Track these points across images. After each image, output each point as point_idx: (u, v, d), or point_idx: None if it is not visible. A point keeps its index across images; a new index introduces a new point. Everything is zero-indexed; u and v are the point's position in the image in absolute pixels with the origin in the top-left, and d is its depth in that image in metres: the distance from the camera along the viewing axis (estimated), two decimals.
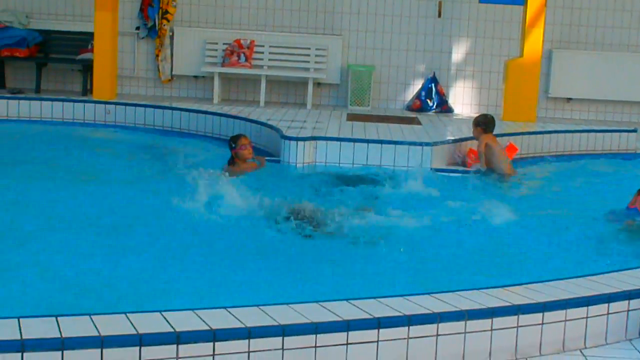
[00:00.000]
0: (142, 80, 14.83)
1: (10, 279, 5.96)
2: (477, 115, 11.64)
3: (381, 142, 10.43)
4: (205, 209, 7.81)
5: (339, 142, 10.42)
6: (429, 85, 14.56)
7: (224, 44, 14.51)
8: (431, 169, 10.22)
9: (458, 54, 14.70)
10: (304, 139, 10.37)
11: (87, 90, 13.98)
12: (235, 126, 11.93)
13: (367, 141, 10.44)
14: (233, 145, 9.75)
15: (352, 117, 12.78)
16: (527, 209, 8.61)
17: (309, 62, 14.47)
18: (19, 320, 4.23)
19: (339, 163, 10.32)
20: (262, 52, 14.54)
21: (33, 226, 7.29)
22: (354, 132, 11.21)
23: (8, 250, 6.59)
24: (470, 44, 14.70)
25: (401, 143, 10.40)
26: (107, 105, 12.88)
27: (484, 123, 10.62)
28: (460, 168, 10.59)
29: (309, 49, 14.50)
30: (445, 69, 14.72)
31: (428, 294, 5.04)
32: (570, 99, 14.80)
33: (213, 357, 4.27)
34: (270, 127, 11.22)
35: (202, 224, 7.53)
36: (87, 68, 13.96)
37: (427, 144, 10.45)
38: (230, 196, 8.06)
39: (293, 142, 10.30)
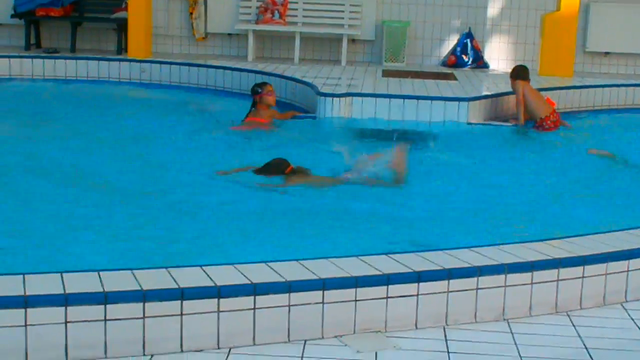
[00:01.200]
0: (177, 38, 14.79)
1: (48, 236, 6.01)
2: None
3: (417, 97, 10.38)
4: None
5: (374, 98, 10.39)
6: (465, 41, 14.42)
7: (257, 0, 14.43)
8: (467, 124, 10.16)
9: (494, 8, 14.52)
10: (339, 95, 10.35)
11: (121, 49, 13.99)
12: (270, 83, 11.89)
13: (403, 97, 10.39)
14: (259, 90, 9.80)
15: (387, 74, 12.72)
16: (566, 162, 8.54)
17: (343, 18, 14.36)
18: (62, 275, 4.27)
19: (375, 119, 10.29)
20: (296, 9, 14.45)
21: (71, 184, 7.33)
22: (389, 88, 11.15)
23: (45, 208, 6.62)
24: None
25: (437, 98, 10.35)
26: (141, 64, 12.89)
27: (518, 71, 10.60)
28: (497, 122, 10.52)
29: (343, 5, 14.38)
30: (480, 24, 14.56)
31: (468, 247, 5.03)
32: (607, 53, 14.60)
33: (254, 311, 4.30)
34: (306, 83, 11.20)
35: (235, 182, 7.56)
36: (121, 27, 13.95)
37: (463, 99, 10.39)
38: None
39: (329, 99, 10.29)
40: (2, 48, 14.12)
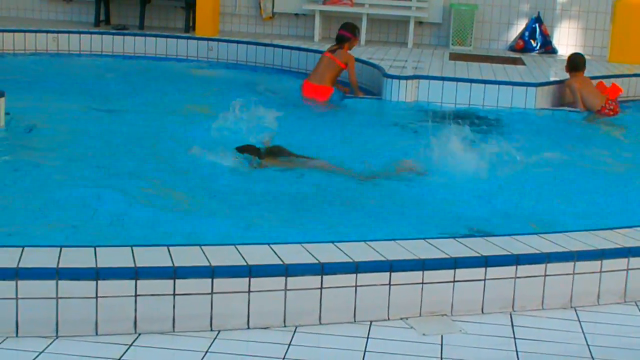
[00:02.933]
0: (244, 17, 14.84)
1: (119, 211, 6.08)
2: None
3: (485, 82, 10.30)
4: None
5: (441, 82, 10.34)
6: (533, 26, 14.26)
7: None
8: (535, 109, 10.06)
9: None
10: (406, 78, 10.31)
11: (189, 27, 14.07)
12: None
13: (470, 80, 10.32)
14: (356, 34, 10.03)
15: (455, 57, 12.63)
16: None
17: (411, 0, 14.28)
18: (132, 249, 4.33)
19: (441, 102, 10.24)
20: None
21: (137, 159, 7.39)
22: (456, 71, 11.08)
23: (115, 183, 6.70)
24: None
25: (505, 83, 10.26)
26: (209, 42, 12.96)
27: (571, 63, 10.48)
28: (565, 108, 10.40)
29: None
30: (550, 9, 14.38)
31: (536, 233, 5.00)
32: None
33: (320, 290, 4.32)
34: (373, 65, 11.17)
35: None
36: (190, 5, 14.03)
37: (531, 85, 10.29)
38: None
39: (395, 81, 10.25)
40: (72, 24, 14.30)
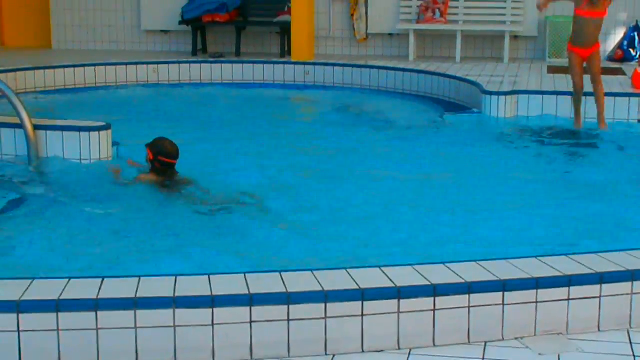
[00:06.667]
0: (338, 40, 14.93)
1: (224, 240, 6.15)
2: None
3: (585, 94, 10.13)
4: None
5: (541, 96, 10.24)
6: (632, 34, 14.01)
7: (418, 0, 14.42)
8: (639, 121, 9.88)
9: None
10: (505, 94, 10.23)
11: (285, 51, 14.22)
12: (433, 83, 11.88)
13: (571, 93, 10.17)
14: None
15: (553, 70, 12.49)
16: None
17: (505, 14, 14.18)
18: (245, 276, 4.38)
19: (542, 117, 10.13)
20: (457, 7, 14.35)
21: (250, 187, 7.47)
22: (555, 84, 10.95)
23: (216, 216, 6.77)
24: None
25: (607, 95, 10.08)
26: (305, 66, 13.07)
27: None
28: None
29: (505, 1, 14.20)
30: None
31: None
32: None
33: (434, 312, 4.31)
34: (470, 82, 11.12)
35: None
36: (285, 30, 14.18)
37: (635, 95, 10.10)
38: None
39: (494, 97, 10.18)
40: (171, 54, 14.59)
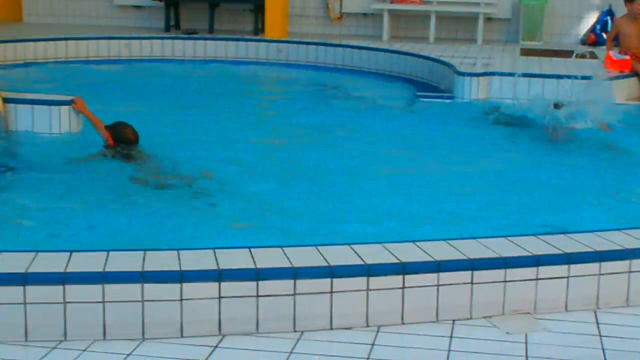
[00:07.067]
0: (312, 18, 14.89)
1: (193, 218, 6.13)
2: None
3: (558, 76, 10.17)
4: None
5: (513, 78, 10.24)
6: (605, 18, 14.07)
7: None
8: (612, 103, 9.91)
9: None
10: (478, 75, 10.24)
11: (258, 29, 14.16)
12: (406, 63, 11.89)
13: (543, 76, 10.20)
14: None
15: (526, 52, 12.52)
16: None
17: None
18: (214, 252, 4.36)
19: (514, 99, 10.14)
20: None
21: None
22: (528, 67, 10.98)
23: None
24: None
25: (579, 78, 10.12)
26: (279, 44, 13.02)
27: None
28: None
29: None
30: (621, 1, 14.12)
31: (619, 229, 4.92)
32: None
33: (403, 290, 4.31)
34: (444, 63, 11.12)
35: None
36: (258, 8, 14.12)
37: (606, 79, 10.14)
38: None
39: (467, 78, 10.18)
40: (143, 30, 14.50)
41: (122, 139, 7.26)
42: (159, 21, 14.85)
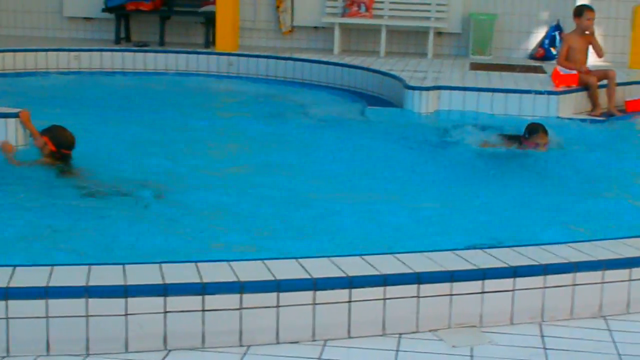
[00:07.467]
0: (263, 31, 14.88)
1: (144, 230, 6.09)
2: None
3: (506, 90, 10.28)
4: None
5: (463, 92, 10.33)
6: (553, 33, 14.22)
7: None
8: (557, 117, 10.04)
9: (583, 0, 14.29)
10: (427, 89, 10.30)
11: (209, 42, 14.13)
12: (357, 76, 11.92)
13: (492, 90, 10.30)
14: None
15: (475, 67, 12.62)
16: None
17: (429, 11, 14.28)
18: (160, 266, 4.34)
19: (463, 112, 10.22)
20: (382, 2, 14.39)
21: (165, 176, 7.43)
22: (477, 81, 11.07)
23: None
24: None
25: (527, 92, 10.24)
26: (229, 57, 13.01)
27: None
28: (588, 117, 10.37)
29: None
30: (569, 16, 14.15)
31: (565, 243, 4.97)
32: None
33: (349, 304, 4.31)
34: (394, 76, 11.17)
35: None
36: (209, 20, 14.10)
37: (553, 93, 10.26)
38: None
39: (417, 92, 10.25)
40: (93, 42, 14.39)
41: (61, 142, 7.18)
42: (109, 33, 14.74)
